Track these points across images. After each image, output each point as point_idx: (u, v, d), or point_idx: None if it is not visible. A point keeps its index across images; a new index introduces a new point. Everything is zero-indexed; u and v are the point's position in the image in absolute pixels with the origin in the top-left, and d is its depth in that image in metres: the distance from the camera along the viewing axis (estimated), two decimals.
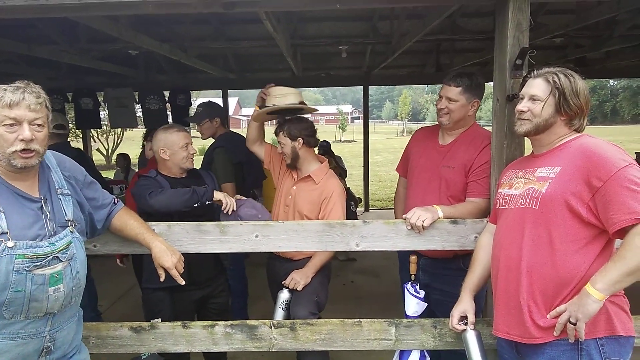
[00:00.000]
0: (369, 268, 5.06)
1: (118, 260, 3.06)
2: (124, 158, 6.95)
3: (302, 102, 2.46)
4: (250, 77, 7.54)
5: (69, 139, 3.60)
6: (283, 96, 2.41)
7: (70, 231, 1.55)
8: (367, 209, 7.96)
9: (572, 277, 1.46)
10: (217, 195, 2.36)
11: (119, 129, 16.14)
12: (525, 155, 1.83)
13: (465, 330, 1.78)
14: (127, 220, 1.83)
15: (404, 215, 1.95)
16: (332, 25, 5.10)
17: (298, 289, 2.34)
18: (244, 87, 8.21)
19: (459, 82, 2.16)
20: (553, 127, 1.57)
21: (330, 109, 63.91)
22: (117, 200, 1.86)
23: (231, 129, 3.67)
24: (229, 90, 7.81)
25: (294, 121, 2.44)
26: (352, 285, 4.67)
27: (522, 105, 1.59)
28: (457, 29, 5.06)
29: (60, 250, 1.49)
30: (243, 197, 2.53)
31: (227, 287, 2.68)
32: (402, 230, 1.94)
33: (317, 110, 2.61)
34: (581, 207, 1.44)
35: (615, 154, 1.43)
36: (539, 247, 1.51)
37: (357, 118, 62.64)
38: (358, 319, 2.03)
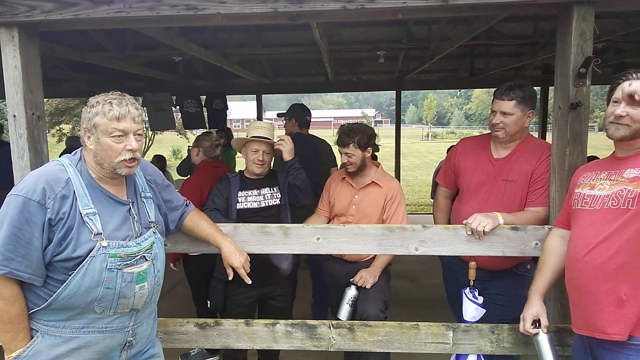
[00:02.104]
0: (404, 272, 5.08)
1: (172, 264, 3.17)
2: (158, 160, 7.18)
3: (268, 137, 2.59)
4: (282, 82, 7.67)
5: None
6: (255, 128, 2.60)
7: (153, 232, 1.65)
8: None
9: None
10: None
11: (150, 132, 16.57)
12: (595, 160, 1.82)
13: (537, 333, 1.79)
14: (199, 221, 1.93)
15: (464, 221, 1.98)
16: (365, 30, 5.12)
17: (367, 287, 2.42)
18: (278, 91, 8.34)
19: (512, 95, 2.14)
20: None
21: (354, 112, 63.88)
22: (189, 202, 1.96)
23: (300, 131, 3.91)
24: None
25: (360, 131, 2.50)
26: None
27: (620, 110, 1.54)
28: (494, 33, 5.03)
29: (146, 250, 1.59)
30: None
31: (289, 293, 2.77)
32: (462, 236, 1.98)
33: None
34: None
35: None
36: (634, 247, 1.50)
37: (380, 122, 62.44)
38: (416, 322, 2.07)
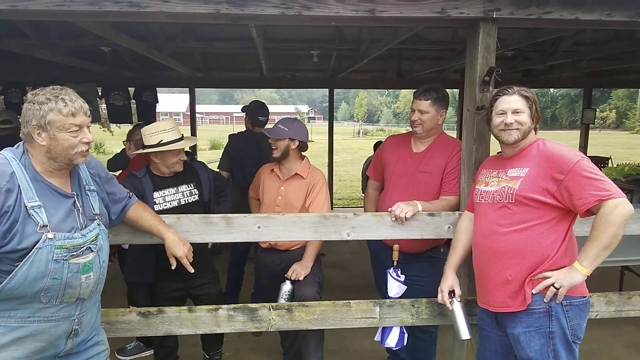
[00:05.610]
0: (338, 262, 5.35)
1: None
2: None
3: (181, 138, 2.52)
4: (216, 76, 7.61)
5: None
6: (170, 131, 2.45)
7: (98, 224, 1.71)
8: (330, 208, 8.23)
9: (548, 253, 1.80)
10: None
11: None
12: (491, 155, 2.15)
13: (452, 302, 2.09)
14: (142, 213, 1.99)
15: (389, 209, 2.23)
16: (299, 29, 5.28)
17: (300, 279, 2.58)
18: (211, 85, 8.27)
19: (427, 96, 2.48)
20: (529, 133, 1.91)
21: (287, 108, 63.76)
22: (132, 195, 2.01)
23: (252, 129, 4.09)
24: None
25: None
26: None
27: (509, 119, 1.88)
28: (418, 38, 5.43)
29: (91, 242, 1.64)
30: None
31: (213, 282, 2.74)
32: (387, 222, 2.22)
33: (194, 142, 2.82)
34: (549, 198, 1.79)
35: (569, 152, 1.81)
36: (517, 233, 1.83)
37: (314, 118, 63.08)
38: (347, 300, 2.29)
